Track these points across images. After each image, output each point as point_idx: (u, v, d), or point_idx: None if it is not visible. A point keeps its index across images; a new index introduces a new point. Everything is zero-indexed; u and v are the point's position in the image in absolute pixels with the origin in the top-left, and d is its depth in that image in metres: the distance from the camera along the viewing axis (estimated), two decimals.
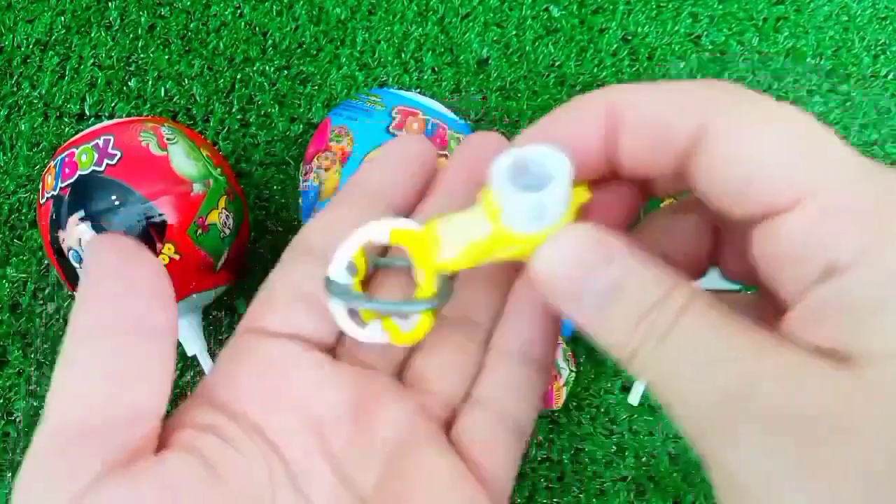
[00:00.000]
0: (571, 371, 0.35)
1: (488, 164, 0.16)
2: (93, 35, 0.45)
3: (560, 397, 0.35)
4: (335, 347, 0.20)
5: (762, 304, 0.18)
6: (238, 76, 0.44)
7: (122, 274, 0.17)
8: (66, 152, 0.33)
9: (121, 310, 0.16)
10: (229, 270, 0.36)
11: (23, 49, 0.44)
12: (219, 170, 0.35)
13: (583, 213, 0.17)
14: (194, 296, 0.34)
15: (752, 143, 0.14)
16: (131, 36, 0.45)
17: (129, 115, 0.43)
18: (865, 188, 0.14)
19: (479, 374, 0.20)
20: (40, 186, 0.34)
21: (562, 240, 0.16)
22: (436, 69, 0.44)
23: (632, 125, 0.16)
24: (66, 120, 0.43)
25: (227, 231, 0.35)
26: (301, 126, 0.43)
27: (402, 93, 0.35)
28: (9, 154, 0.43)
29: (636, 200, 0.19)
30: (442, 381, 0.20)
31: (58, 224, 0.32)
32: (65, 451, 0.15)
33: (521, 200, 0.15)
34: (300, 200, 0.36)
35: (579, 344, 0.38)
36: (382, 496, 0.18)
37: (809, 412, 0.13)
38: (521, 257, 0.17)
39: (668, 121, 0.15)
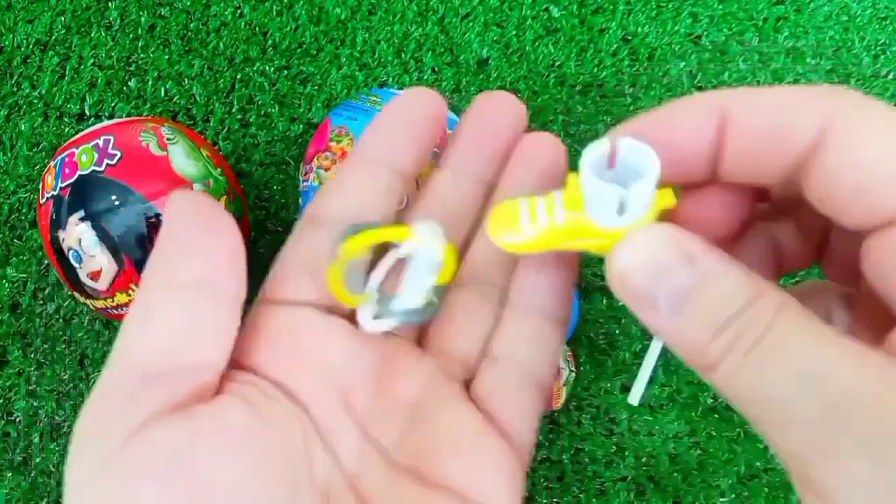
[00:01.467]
0: (571, 371, 0.35)
1: (499, 129, 0.16)
2: (93, 35, 0.45)
3: (560, 397, 0.35)
4: (352, 314, 0.20)
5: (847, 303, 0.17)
6: (238, 76, 0.44)
7: (203, 238, 0.18)
8: (66, 152, 0.33)
9: (197, 272, 0.17)
10: None
11: (23, 49, 0.44)
12: (219, 170, 0.35)
13: (677, 219, 0.17)
14: None
15: (876, 148, 0.14)
16: (131, 36, 0.45)
17: (129, 115, 0.43)
18: None
19: (494, 331, 0.20)
20: (40, 186, 0.34)
21: (639, 237, 0.15)
22: (436, 69, 0.44)
23: (746, 127, 0.15)
24: (66, 120, 0.43)
25: None
26: (301, 126, 0.43)
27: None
28: (9, 154, 0.43)
29: (741, 210, 0.18)
30: (460, 343, 0.20)
31: (58, 224, 0.32)
32: (127, 390, 0.16)
33: (605, 192, 0.15)
34: (300, 200, 0.36)
35: (579, 344, 0.38)
36: (406, 452, 0.18)
37: None
38: (595, 250, 0.16)
39: (788, 123, 0.15)
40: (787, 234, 0.18)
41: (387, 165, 0.20)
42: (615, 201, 0.15)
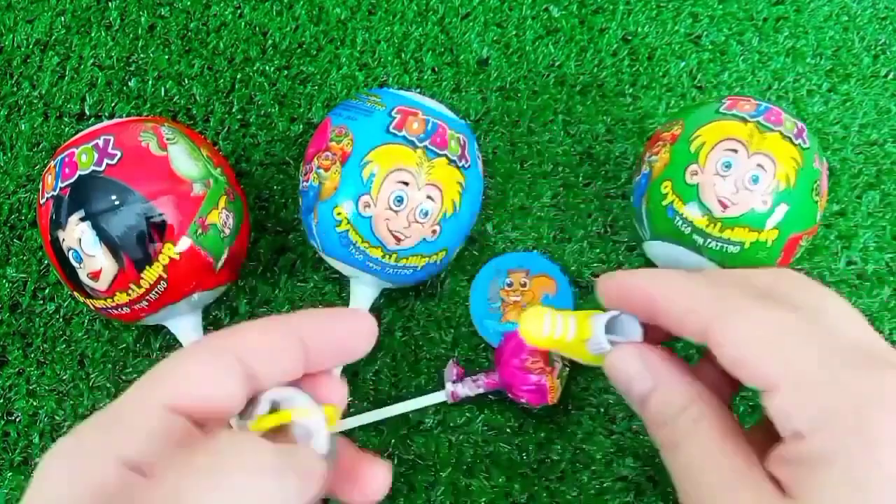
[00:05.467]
0: (565, 366, 0.35)
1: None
2: (93, 35, 0.45)
3: (555, 391, 0.35)
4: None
5: None
6: (238, 76, 0.44)
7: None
8: (66, 152, 0.33)
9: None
10: (229, 270, 0.36)
11: (23, 49, 0.44)
12: (219, 170, 0.35)
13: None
14: (194, 296, 0.34)
15: (739, 343, 0.21)
16: (131, 36, 0.45)
17: (129, 115, 0.43)
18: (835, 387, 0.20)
19: None
20: (40, 186, 0.34)
21: (619, 353, 0.25)
22: (436, 69, 0.44)
23: (664, 314, 0.24)
24: (66, 120, 0.43)
25: (227, 231, 0.35)
26: (301, 126, 0.43)
27: (402, 93, 0.35)
28: (9, 154, 0.43)
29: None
30: None
31: (58, 224, 0.32)
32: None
33: (603, 341, 0.25)
34: (300, 200, 0.36)
35: None
36: None
37: None
38: (576, 357, 0.26)
39: (682, 318, 0.23)
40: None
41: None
42: (607, 346, 0.25)
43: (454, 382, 0.36)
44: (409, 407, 0.36)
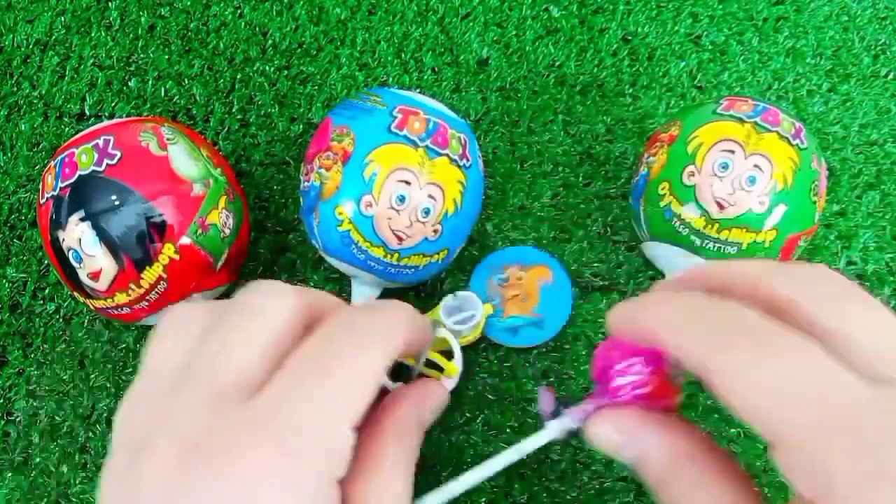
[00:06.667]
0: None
1: None
2: (93, 35, 0.45)
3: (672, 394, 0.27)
4: None
5: None
6: (238, 76, 0.44)
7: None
8: (66, 152, 0.33)
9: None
10: (229, 270, 0.36)
11: (23, 49, 0.44)
12: (219, 170, 0.35)
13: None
14: (194, 296, 0.34)
15: (743, 389, 0.18)
16: (131, 36, 0.45)
17: (129, 115, 0.43)
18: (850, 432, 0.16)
19: None
20: (40, 186, 0.34)
21: (596, 428, 0.23)
22: (436, 69, 0.44)
23: (665, 348, 0.21)
24: (66, 120, 0.43)
25: (227, 231, 0.35)
26: (301, 126, 0.43)
27: (403, 92, 0.35)
28: (9, 154, 0.43)
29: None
30: None
31: (58, 224, 0.32)
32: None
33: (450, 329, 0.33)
34: (301, 200, 0.36)
35: (579, 343, 0.38)
36: None
37: None
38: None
39: (682, 356, 0.19)
40: None
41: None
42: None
43: (556, 414, 0.27)
44: (515, 455, 0.28)
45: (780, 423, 0.17)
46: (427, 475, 0.37)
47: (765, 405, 0.17)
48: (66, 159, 0.33)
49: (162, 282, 0.33)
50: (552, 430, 0.26)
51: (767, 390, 0.17)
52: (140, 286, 0.33)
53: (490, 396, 0.37)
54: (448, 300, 0.36)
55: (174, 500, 0.17)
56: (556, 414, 0.26)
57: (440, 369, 0.34)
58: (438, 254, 0.35)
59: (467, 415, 0.37)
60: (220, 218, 0.34)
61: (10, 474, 0.37)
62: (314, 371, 0.19)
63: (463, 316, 0.36)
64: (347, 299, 0.38)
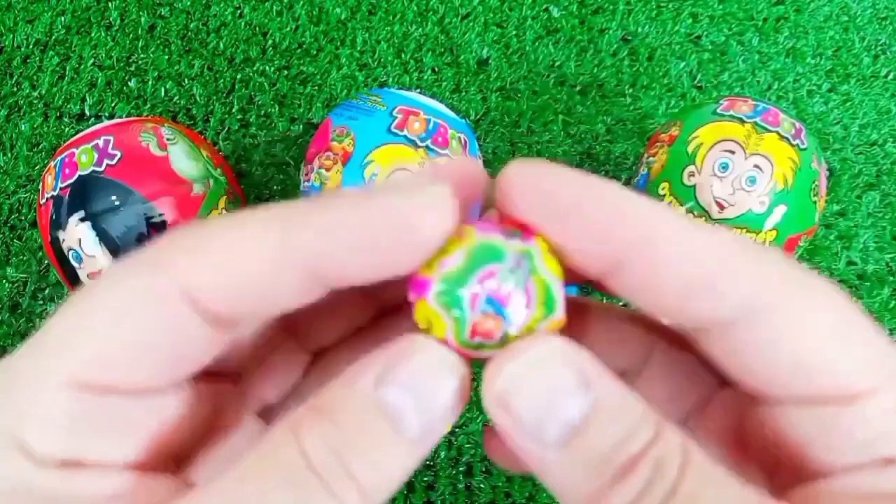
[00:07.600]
0: None
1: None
2: (93, 35, 0.45)
3: None
4: None
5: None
6: (238, 76, 0.44)
7: None
8: (66, 152, 0.33)
9: None
10: None
11: (23, 49, 0.44)
12: (219, 170, 0.35)
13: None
14: None
15: (809, 329, 0.13)
16: (131, 36, 0.45)
17: (129, 115, 0.43)
18: None
19: None
20: (40, 186, 0.34)
21: (528, 351, 0.13)
22: (436, 69, 0.44)
23: (666, 273, 0.12)
24: (66, 120, 0.43)
25: None
26: (301, 126, 0.43)
27: (403, 92, 0.35)
28: (9, 154, 0.43)
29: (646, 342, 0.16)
30: None
31: (58, 224, 0.32)
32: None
33: None
34: None
35: None
36: None
37: None
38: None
39: (714, 283, 0.12)
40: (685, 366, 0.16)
41: None
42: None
43: None
44: None
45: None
46: (426, 474, 0.37)
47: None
48: (66, 159, 0.33)
49: None
50: None
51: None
52: None
53: None
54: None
55: None
56: None
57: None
58: None
59: (467, 415, 0.37)
60: None
61: None
62: None
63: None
64: None
